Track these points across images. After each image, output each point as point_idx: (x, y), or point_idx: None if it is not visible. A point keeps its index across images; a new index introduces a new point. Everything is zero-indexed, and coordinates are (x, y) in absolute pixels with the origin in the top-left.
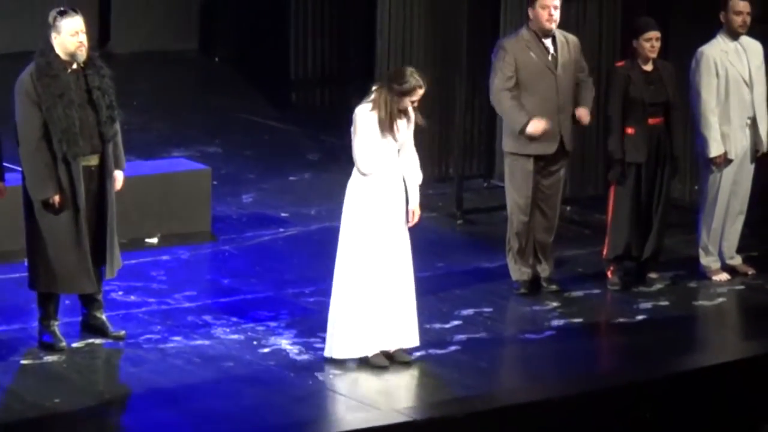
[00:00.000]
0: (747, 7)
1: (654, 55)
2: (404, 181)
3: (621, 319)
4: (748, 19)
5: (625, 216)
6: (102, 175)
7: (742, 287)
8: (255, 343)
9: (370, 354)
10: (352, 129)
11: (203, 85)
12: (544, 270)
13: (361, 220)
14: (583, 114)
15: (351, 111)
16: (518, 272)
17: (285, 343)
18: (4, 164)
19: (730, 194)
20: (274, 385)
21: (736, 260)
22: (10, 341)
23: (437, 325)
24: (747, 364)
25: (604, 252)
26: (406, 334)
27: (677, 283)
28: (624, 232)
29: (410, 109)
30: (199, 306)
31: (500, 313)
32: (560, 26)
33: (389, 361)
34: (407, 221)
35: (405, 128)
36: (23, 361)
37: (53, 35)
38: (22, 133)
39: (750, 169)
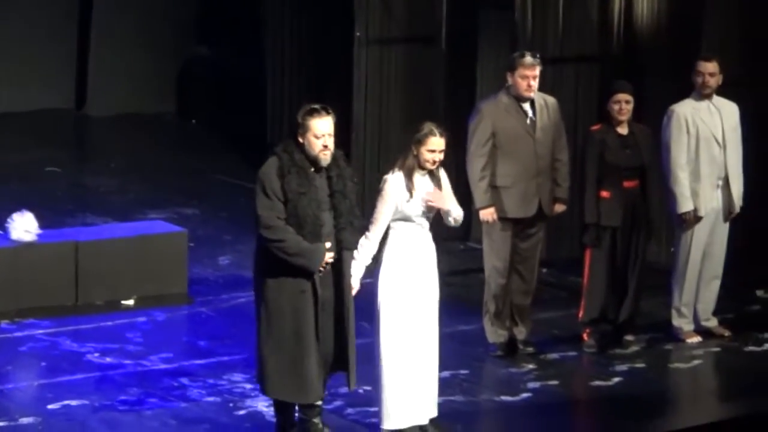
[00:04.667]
0: (709, 68)
1: (623, 117)
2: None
3: (597, 382)
4: (711, 80)
5: (601, 279)
6: (337, 281)
7: (717, 349)
8: (231, 405)
9: (403, 426)
10: (380, 192)
11: (180, 147)
12: (521, 332)
13: (395, 295)
14: (560, 210)
15: None
16: (495, 335)
17: (261, 405)
18: None
19: (703, 256)
20: None
21: (712, 322)
22: None
23: None
24: (723, 426)
25: (580, 315)
26: (432, 405)
27: (653, 346)
28: (600, 295)
29: (442, 177)
30: (176, 368)
31: (476, 376)
32: (538, 88)
33: None
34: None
35: (428, 194)
36: None
37: (299, 132)
38: (267, 221)
39: (724, 231)
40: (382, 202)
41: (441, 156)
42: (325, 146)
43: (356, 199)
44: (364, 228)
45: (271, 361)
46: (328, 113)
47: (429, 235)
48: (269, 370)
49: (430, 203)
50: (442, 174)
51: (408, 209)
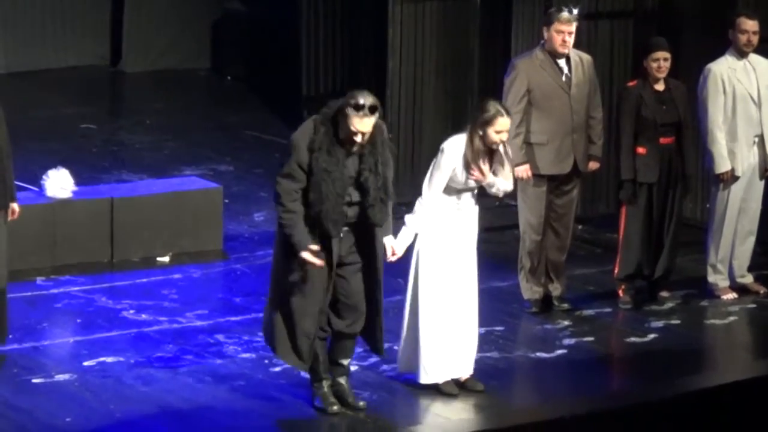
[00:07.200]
0: (753, 26)
1: (661, 75)
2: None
3: (632, 338)
4: (754, 38)
5: (637, 235)
6: (369, 253)
7: (753, 306)
8: (266, 361)
9: (440, 381)
10: (436, 160)
11: (215, 103)
12: (556, 289)
13: (435, 251)
14: (594, 167)
15: None
16: (530, 291)
17: None
18: (16, 183)
19: (739, 212)
20: (286, 404)
21: (747, 279)
22: (22, 360)
23: None
24: (758, 382)
25: (616, 271)
26: (470, 362)
27: (688, 302)
28: (635, 252)
29: (503, 155)
30: (211, 325)
31: (512, 332)
32: (573, 45)
33: (459, 389)
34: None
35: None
36: (35, 380)
37: (339, 113)
38: (282, 191)
39: (759, 187)
40: (438, 171)
41: (507, 135)
42: (358, 140)
43: (391, 174)
44: (395, 204)
45: (273, 317)
46: (372, 114)
47: (474, 195)
48: (276, 324)
49: (476, 179)
50: (502, 149)
51: (458, 180)
